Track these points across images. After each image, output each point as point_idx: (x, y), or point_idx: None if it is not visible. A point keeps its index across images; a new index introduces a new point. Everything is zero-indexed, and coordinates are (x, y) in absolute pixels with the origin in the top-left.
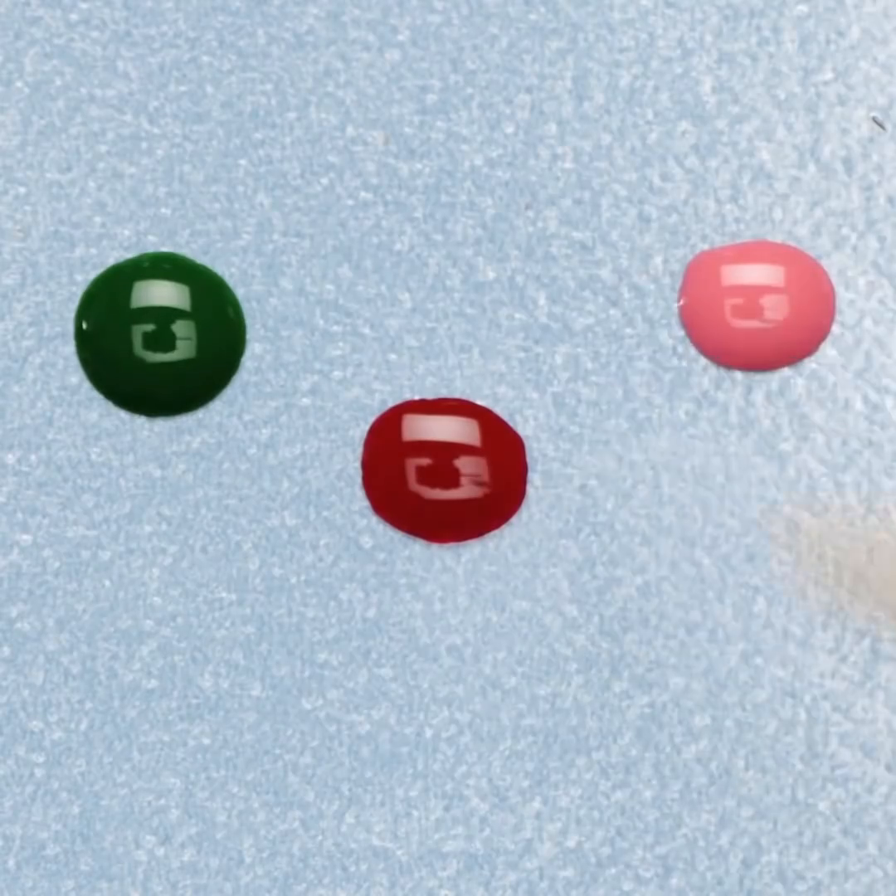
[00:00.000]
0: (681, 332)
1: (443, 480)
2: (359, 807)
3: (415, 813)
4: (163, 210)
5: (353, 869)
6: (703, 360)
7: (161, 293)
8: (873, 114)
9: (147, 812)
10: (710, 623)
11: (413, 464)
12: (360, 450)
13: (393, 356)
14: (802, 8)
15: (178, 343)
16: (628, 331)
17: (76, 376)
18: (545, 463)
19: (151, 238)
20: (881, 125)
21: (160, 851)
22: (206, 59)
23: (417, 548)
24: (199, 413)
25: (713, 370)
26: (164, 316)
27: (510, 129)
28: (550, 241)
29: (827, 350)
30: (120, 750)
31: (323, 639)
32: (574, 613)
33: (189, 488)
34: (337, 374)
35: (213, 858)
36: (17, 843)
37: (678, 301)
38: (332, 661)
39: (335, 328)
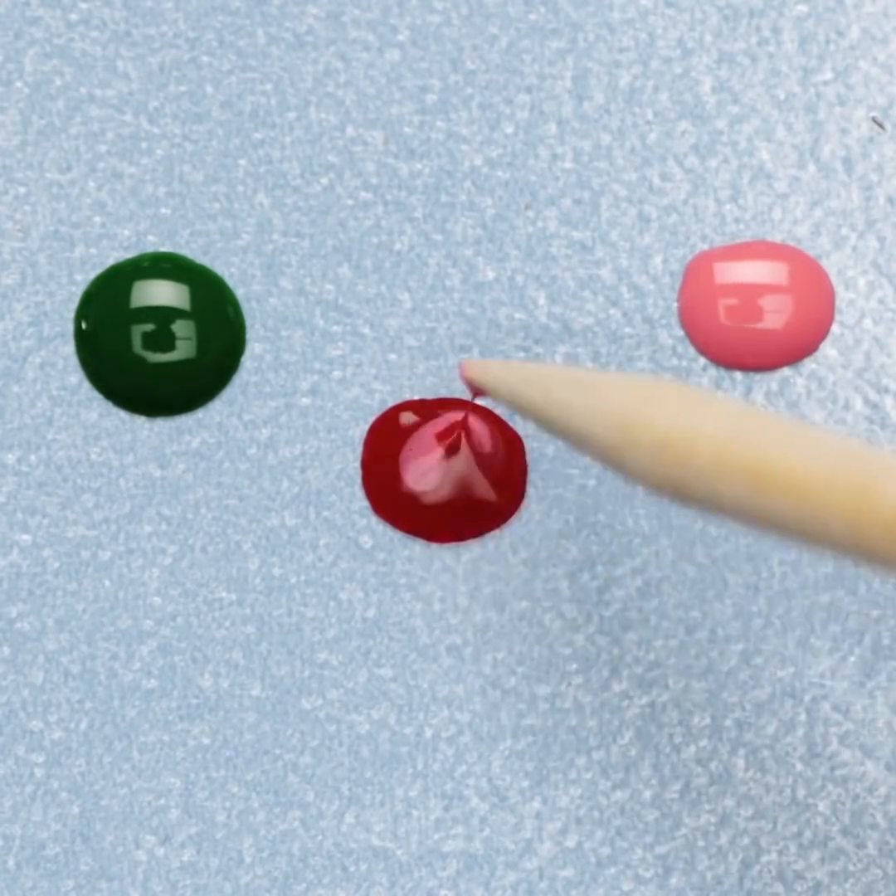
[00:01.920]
0: (680, 332)
1: None
2: (359, 807)
3: (415, 813)
4: (163, 210)
5: (353, 869)
6: (702, 360)
7: (161, 293)
8: (873, 114)
9: (147, 812)
10: (709, 623)
11: None
12: (360, 450)
13: (393, 356)
14: (802, 8)
15: (178, 343)
16: (628, 331)
17: (76, 376)
18: (545, 463)
19: (151, 238)
20: (881, 125)
21: (160, 851)
22: (206, 59)
23: (417, 548)
24: (199, 413)
25: (713, 370)
26: (164, 316)
27: (510, 129)
28: (550, 241)
29: (827, 350)
30: (120, 750)
31: (323, 639)
32: (574, 613)
33: (189, 488)
34: (337, 374)
35: (213, 858)
36: (17, 843)
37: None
38: (332, 661)
39: (335, 328)
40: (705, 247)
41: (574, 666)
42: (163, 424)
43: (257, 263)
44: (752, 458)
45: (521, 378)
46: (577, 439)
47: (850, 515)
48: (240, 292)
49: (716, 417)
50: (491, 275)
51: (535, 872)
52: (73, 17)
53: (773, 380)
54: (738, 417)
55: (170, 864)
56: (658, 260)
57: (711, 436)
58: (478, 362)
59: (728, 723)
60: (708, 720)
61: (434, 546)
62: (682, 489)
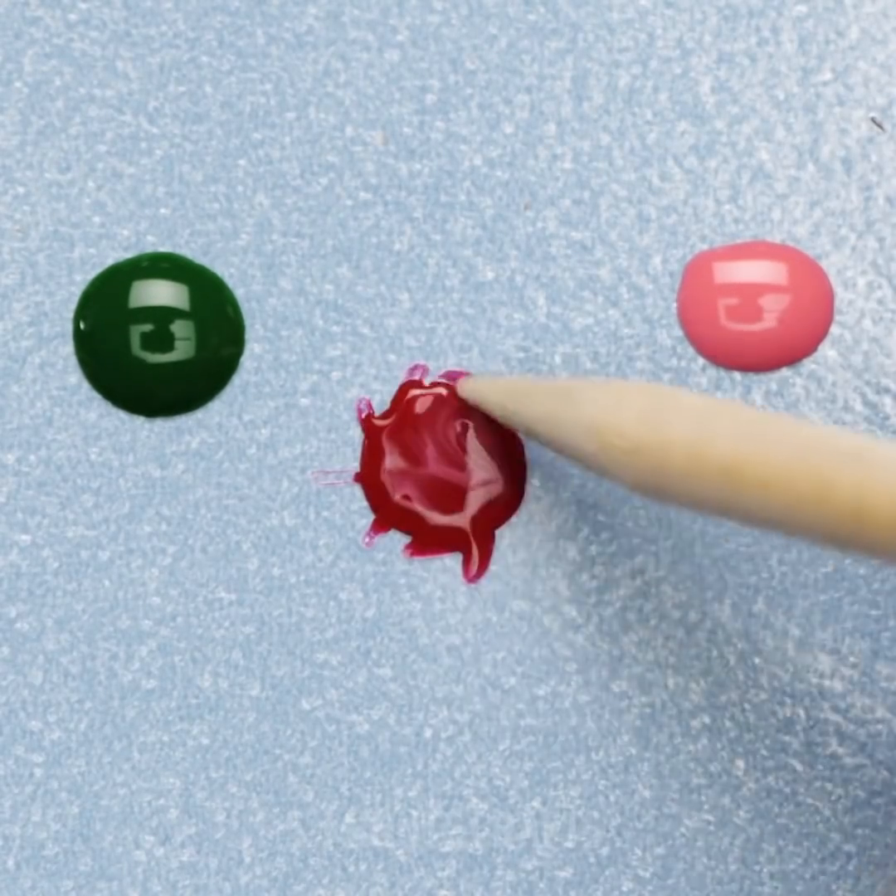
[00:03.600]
0: (680, 333)
1: None
2: (358, 807)
3: (414, 813)
4: (162, 210)
5: (352, 869)
6: (701, 361)
7: (160, 293)
8: (873, 114)
9: (146, 812)
10: (709, 623)
11: None
12: (360, 450)
13: (393, 356)
14: (801, 8)
15: (177, 343)
16: (627, 331)
17: (75, 376)
18: (545, 463)
19: (150, 238)
20: (880, 125)
21: (159, 851)
22: (205, 59)
23: None
24: (199, 413)
25: (712, 370)
26: (163, 316)
27: (509, 129)
28: (550, 241)
29: (826, 350)
30: (119, 750)
31: (323, 639)
32: (573, 613)
33: (189, 488)
34: (337, 374)
35: (212, 858)
36: (16, 843)
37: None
38: (332, 661)
39: (335, 328)
40: (705, 247)
41: (574, 666)
42: (162, 424)
43: (257, 263)
44: (722, 456)
45: (507, 393)
46: (560, 448)
47: (813, 506)
48: (239, 292)
49: (683, 418)
50: (490, 275)
51: (535, 873)
52: (73, 17)
53: (772, 380)
54: (706, 415)
55: (169, 864)
56: (657, 260)
57: (681, 438)
58: (470, 380)
59: (727, 723)
60: (707, 720)
61: None
62: (660, 490)
